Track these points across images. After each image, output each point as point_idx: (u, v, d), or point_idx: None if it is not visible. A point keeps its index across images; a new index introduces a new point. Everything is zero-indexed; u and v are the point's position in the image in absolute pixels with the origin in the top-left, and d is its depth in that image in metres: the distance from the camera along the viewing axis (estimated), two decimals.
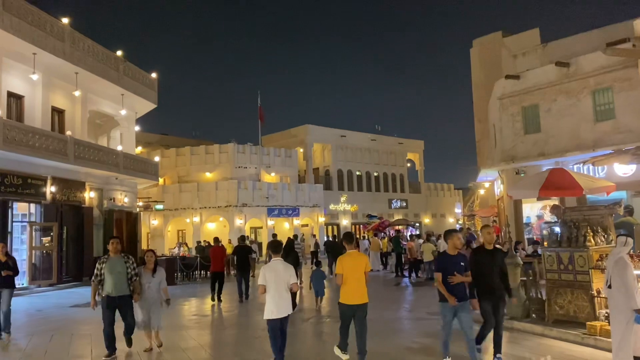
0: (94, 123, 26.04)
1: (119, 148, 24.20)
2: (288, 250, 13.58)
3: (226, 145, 40.08)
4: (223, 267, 15.81)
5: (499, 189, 21.94)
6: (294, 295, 9.26)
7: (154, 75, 27.17)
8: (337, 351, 7.49)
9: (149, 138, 45.55)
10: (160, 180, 39.34)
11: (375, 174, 52.80)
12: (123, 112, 24.50)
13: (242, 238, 16.77)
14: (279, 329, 7.11)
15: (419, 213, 56.73)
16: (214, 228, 38.61)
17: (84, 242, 21.57)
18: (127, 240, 25.43)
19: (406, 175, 56.26)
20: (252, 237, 39.44)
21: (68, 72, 20.77)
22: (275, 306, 7.03)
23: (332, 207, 45.93)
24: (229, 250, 21.63)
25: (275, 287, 7.03)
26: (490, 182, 25.07)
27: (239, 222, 36.47)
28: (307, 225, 41.99)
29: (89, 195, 22.31)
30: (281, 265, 7.22)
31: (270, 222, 38.25)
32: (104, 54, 22.78)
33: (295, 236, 21.57)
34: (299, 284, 10.16)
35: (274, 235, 18.26)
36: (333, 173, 48.88)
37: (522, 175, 19.16)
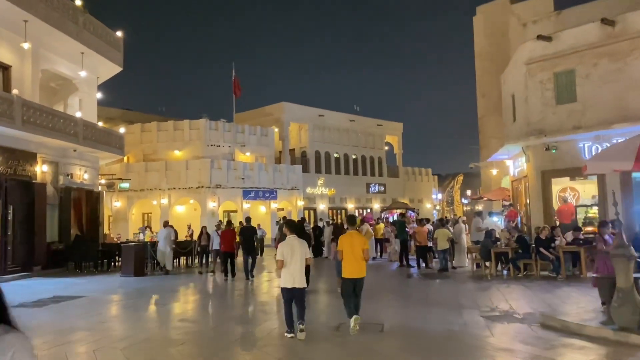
0: (48, 87, 22.32)
1: (78, 114, 20.64)
2: (299, 233, 11.86)
3: (197, 121, 36.57)
4: (233, 247, 16.76)
5: (517, 168, 19.44)
6: (307, 270, 9.49)
7: (119, 33, 23.54)
8: (351, 323, 8.10)
9: (111, 113, 41.54)
10: (124, 159, 35.69)
11: (354, 156, 50.09)
12: (82, 73, 20.88)
13: (248, 219, 17.43)
14: (291, 297, 7.81)
15: (396, 198, 54.34)
16: (183, 211, 35.28)
17: (34, 225, 18.09)
18: (88, 223, 21.98)
19: (384, 158, 53.79)
20: (225, 221, 36.21)
21: (15, 19, 17.14)
22: (290, 277, 7.78)
23: (308, 190, 42.99)
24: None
25: (291, 261, 7.76)
26: (499, 161, 22.57)
27: (211, 204, 33.20)
28: (282, 209, 38.99)
29: (42, 170, 18.78)
30: (297, 241, 8.00)
31: (246, 206, 35.08)
32: (60, 2, 19.11)
33: (303, 219, 22.23)
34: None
35: (247, 219, 17.60)
36: (310, 154, 45.91)
37: (554, 151, 16.67)
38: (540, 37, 16.95)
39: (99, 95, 24.41)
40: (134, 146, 35.74)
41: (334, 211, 47.17)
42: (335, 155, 48.27)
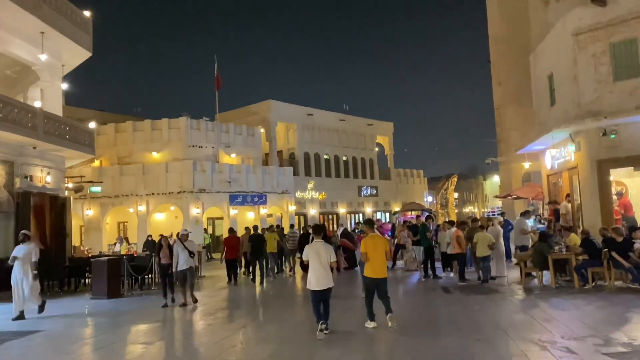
0: (4, 75, 19.05)
1: (37, 104, 17.36)
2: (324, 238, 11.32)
3: (177, 119, 33.28)
4: (237, 254, 17.26)
5: (558, 159, 16.71)
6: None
7: (87, 13, 20.28)
8: (367, 324, 8.79)
9: (81, 114, 37.87)
10: (96, 162, 32.25)
11: (344, 158, 47.23)
12: (43, 56, 17.58)
13: (256, 227, 17.78)
14: (319, 299, 8.37)
15: (389, 201, 51.81)
16: (163, 219, 31.91)
17: None
18: (52, 234, 18.63)
19: (376, 160, 51.05)
20: (210, 230, 33.01)
21: None
22: (315, 279, 8.36)
23: (298, 194, 39.92)
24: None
25: (317, 264, 8.36)
26: (522, 154, 19.88)
27: (195, 211, 29.94)
28: (271, 215, 35.87)
29: None
30: (322, 245, 8.56)
31: (233, 212, 31.89)
32: None
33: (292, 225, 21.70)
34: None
35: (255, 228, 18.03)
36: (299, 156, 42.88)
37: (613, 136, 13.99)
38: (594, 1, 14.24)
39: (65, 86, 21.09)
40: (107, 148, 32.40)
41: (325, 216, 44.28)
42: (325, 156, 45.40)
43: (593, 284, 12.17)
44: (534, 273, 13.78)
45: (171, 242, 14.07)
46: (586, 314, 9.39)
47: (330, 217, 45.07)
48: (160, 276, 13.27)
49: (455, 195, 78.51)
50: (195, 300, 12.48)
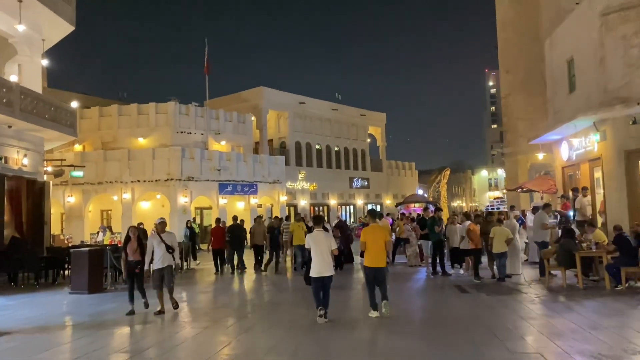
0: None
1: (14, 78, 15.85)
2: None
3: (165, 104, 31.75)
4: (223, 244, 16.80)
5: (577, 150, 15.62)
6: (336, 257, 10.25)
7: None
8: (370, 313, 8.84)
9: (64, 97, 35.91)
10: (79, 147, 30.71)
11: (336, 148, 46.01)
12: (20, 27, 16.06)
13: (235, 218, 17.52)
14: (321, 286, 8.58)
15: (380, 193, 50.74)
16: (149, 208, 30.47)
17: None
18: (29, 221, 17.19)
19: (368, 151, 49.89)
20: (198, 220, 31.64)
21: None
22: (318, 267, 8.58)
23: (289, 184, 38.60)
24: None
25: (318, 252, 8.61)
26: (533, 145, 18.81)
27: (183, 200, 28.51)
28: (261, 206, 34.51)
29: None
30: (322, 234, 8.84)
31: (222, 201, 30.51)
32: None
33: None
34: None
35: (235, 218, 17.75)
36: (290, 145, 41.56)
37: None
38: None
39: (46, 62, 19.54)
40: (91, 133, 30.79)
41: (316, 208, 43.03)
42: (317, 146, 44.14)
43: (626, 285, 11.10)
44: (553, 271, 12.75)
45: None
46: (637, 320, 8.31)
47: (320, 208, 43.84)
48: (126, 275, 10.09)
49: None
50: (176, 306, 10.11)
